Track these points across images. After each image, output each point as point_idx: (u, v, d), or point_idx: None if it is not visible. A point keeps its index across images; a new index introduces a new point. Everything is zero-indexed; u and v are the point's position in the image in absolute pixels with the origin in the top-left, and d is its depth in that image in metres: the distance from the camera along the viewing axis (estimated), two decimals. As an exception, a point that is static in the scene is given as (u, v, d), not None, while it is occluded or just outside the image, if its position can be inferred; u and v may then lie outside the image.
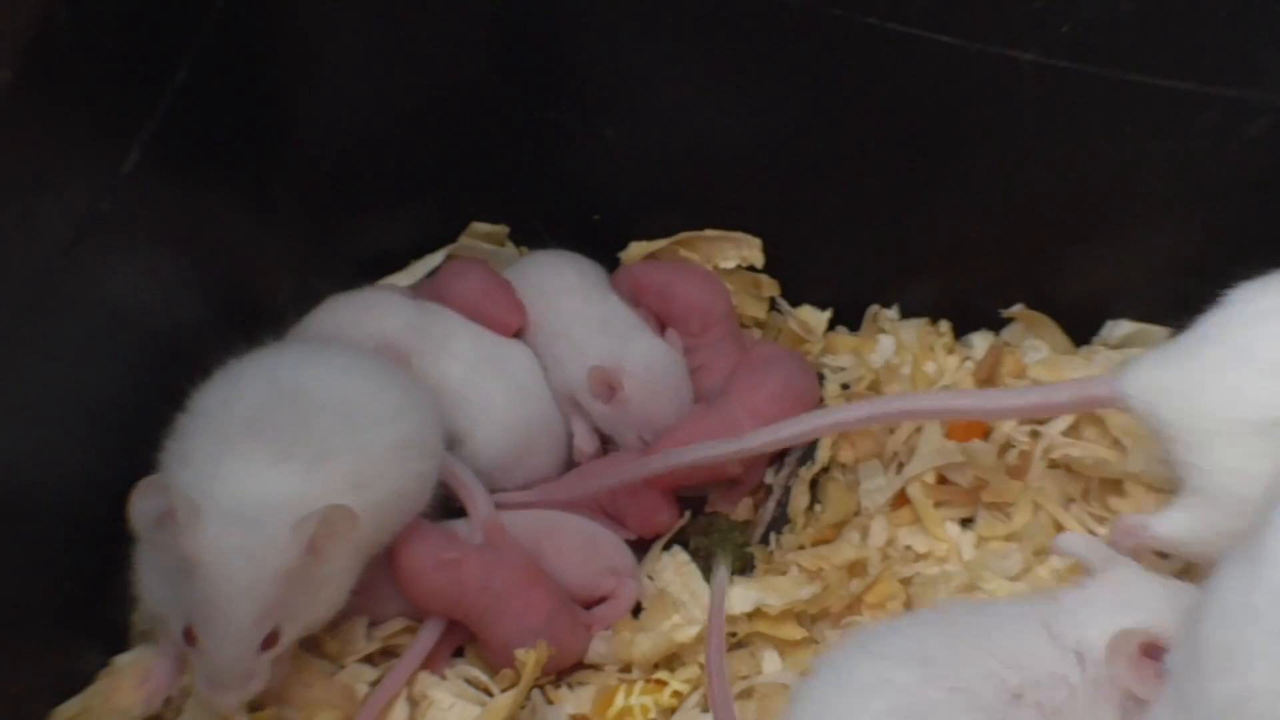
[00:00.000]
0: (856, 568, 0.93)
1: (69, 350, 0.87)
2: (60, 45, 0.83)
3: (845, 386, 1.04)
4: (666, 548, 0.97)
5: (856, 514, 0.97)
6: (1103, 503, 0.92)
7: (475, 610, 0.92)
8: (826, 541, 0.96)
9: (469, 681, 0.93)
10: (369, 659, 0.95)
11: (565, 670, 0.94)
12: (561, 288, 1.04)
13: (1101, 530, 0.89)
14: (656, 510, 0.99)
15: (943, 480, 0.96)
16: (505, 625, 0.92)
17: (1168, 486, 0.88)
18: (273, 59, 0.99)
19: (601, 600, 0.96)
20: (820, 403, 1.02)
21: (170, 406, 0.95)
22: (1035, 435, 0.96)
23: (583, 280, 1.05)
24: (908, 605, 0.92)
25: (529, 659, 0.89)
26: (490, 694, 0.92)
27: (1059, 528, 0.91)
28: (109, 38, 0.87)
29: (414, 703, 0.91)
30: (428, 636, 0.92)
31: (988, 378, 1.00)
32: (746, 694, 0.91)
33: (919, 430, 0.98)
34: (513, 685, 0.91)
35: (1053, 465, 0.94)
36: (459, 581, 0.91)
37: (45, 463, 0.86)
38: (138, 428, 0.90)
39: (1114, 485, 0.92)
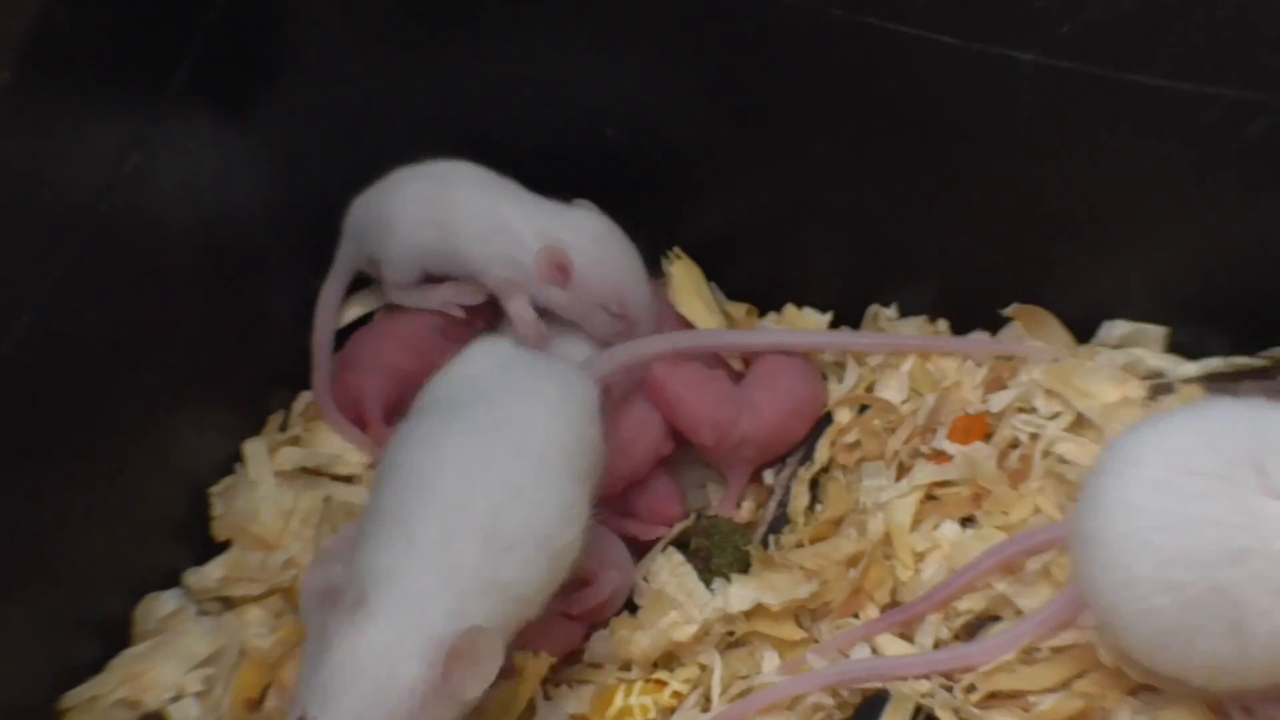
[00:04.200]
0: (855, 562, 0.93)
1: (68, 349, 0.87)
2: (60, 45, 0.83)
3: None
4: (663, 550, 0.97)
5: (854, 511, 0.97)
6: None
7: None
8: (825, 539, 0.96)
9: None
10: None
11: (563, 668, 0.94)
12: (461, 180, 1.03)
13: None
14: (669, 502, 0.99)
15: (943, 484, 0.96)
16: None
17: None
18: (273, 58, 1.00)
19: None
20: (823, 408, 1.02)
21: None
22: (1035, 437, 0.96)
23: (478, 174, 1.04)
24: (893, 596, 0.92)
25: (527, 666, 0.89)
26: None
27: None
28: (109, 37, 0.87)
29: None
30: None
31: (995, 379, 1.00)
32: (746, 694, 0.90)
33: (920, 435, 0.98)
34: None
35: (1048, 472, 0.94)
36: None
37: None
38: (140, 418, 0.91)
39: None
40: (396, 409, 1.01)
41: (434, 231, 1.02)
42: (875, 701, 0.86)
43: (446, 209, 1.02)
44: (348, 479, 1.05)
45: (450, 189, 1.02)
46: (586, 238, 1.00)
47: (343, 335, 1.08)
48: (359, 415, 1.05)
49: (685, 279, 1.04)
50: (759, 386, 1.00)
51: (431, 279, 1.05)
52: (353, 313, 1.09)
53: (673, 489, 1.01)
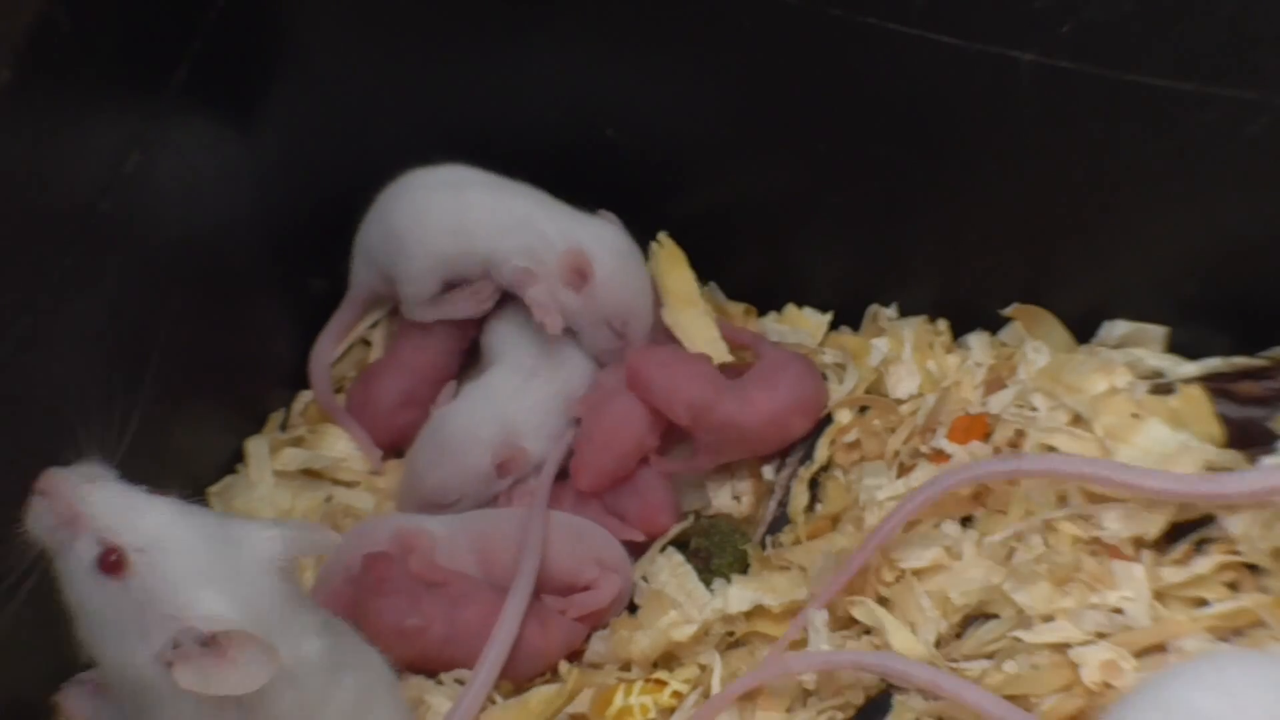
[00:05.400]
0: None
1: (70, 349, 0.88)
2: (60, 45, 0.83)
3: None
4: (662, 550, 0.97)
5: (853, 508, 0.96)
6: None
7: (441, 659, 0.93)
8: (821, 535, 0.96)
9: (464, 684, 0.93)
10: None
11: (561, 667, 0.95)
12: (474, 184, 1.03)
13: (1085, 531, 0.90)
14: (660, 511, 0.99)
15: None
16: (472, 654, 0.92)
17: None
18: (273, 59, 1.00)
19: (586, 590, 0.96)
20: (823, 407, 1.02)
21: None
22: (1021, 433, 0.95)
23: (487, 176, 1.03)
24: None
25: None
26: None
27: (1051, 528, 0.91)
28: (109, 38, 0.87)
29: (410, 707, 0.92)
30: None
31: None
32: (747, 695, 0.90)
33: (920, 435, 0.98)
34: (512, 693, 0.92)
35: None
36: (423, 645, 0.92)
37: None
38: (140, 418, 0.90)
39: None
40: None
41: (453, 238, 1.02)
42: (878, 703, 0.86)
43: (464, 214, 1.02)
44: (350, 484, 1.06)
45: (464, 193, 1.02)
46: (609, 251, 1.00)
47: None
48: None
49: (669, 265, 1.05)
50: (758, 382, 1.00)
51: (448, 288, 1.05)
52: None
53: (666, 499, 1.00)
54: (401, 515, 1.00)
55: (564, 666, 0.94)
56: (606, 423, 0.99)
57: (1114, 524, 0.87)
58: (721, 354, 1.03)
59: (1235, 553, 0.86)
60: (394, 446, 1.06)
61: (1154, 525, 0.87)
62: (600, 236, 1.01)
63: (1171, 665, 0.80)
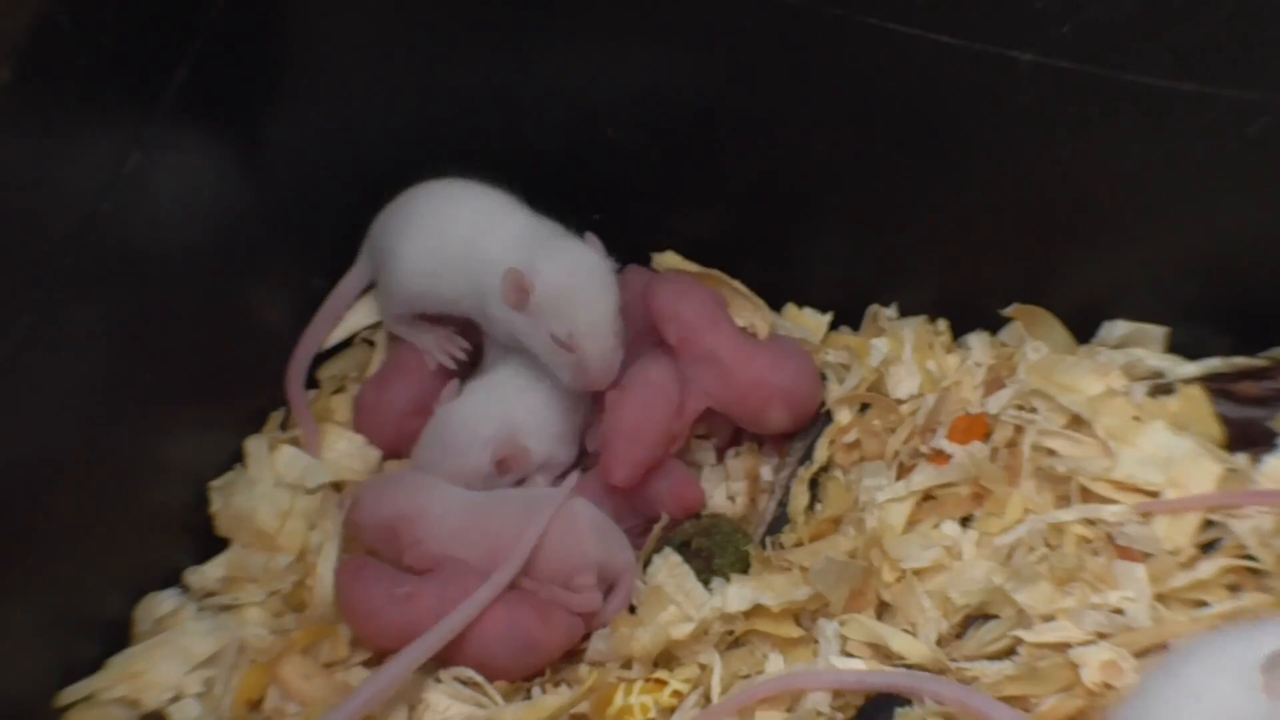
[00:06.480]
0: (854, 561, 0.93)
1: (68, 349, 0.88)
2: (60, 45, 0.83)
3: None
4: (657, 550, 0.98)
5: (853, 509, 0.97)
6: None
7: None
8: (824, 537, 0.96)
9: (463, 683, 0.93)
10: (367, 663, 0.95)
11: (563, 668, 0.94)
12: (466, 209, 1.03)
13: (1091, 531, 0.90)
14: (689, 486, 1.00)
15: (943, 485, 0.96)
16: (468, 645, 0.92)
17: (1149, 488, 0.89)
18: (273, 59, 1.00)
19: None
20: (822, 404, 1.02)
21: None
22: (1020, 430, 0.95)
23: (488, 201, 1.04)
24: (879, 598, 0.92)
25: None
26: (486, 695, 0.92)
27: (1053, 527, 0.91)
28: (109, 38, 0.88)
29: (410, 706, 0.92)
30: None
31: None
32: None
33: (920, 435, 0.98)
34: (510, 693, 0.92)
35: (1038, 468, 0.94)
36: (414, 616, 0.92)
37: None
38: (140, 417, 0.91)
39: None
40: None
41: (429, 281, 1.03)
42: (878, 703, 0.86)
43: (443, 254, 1.02)
44: (349, 483, 1.06)
45: (449, 226, 1.03)
46: (556, 265, 0.98)
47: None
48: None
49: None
50: (768, 349, 1.01)
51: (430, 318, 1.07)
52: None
53: (690, 477, 1.01)
54: (412, 486, 0.99)
55: (584, 669, 0.95)
56: (632, 413, 0.99)
57: (1134, 530, 0.88)
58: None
59: (1245, 556, 0.86)
60: (401, 452, 1.06)
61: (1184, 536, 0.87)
62: (557, 253, 0.99)
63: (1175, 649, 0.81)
